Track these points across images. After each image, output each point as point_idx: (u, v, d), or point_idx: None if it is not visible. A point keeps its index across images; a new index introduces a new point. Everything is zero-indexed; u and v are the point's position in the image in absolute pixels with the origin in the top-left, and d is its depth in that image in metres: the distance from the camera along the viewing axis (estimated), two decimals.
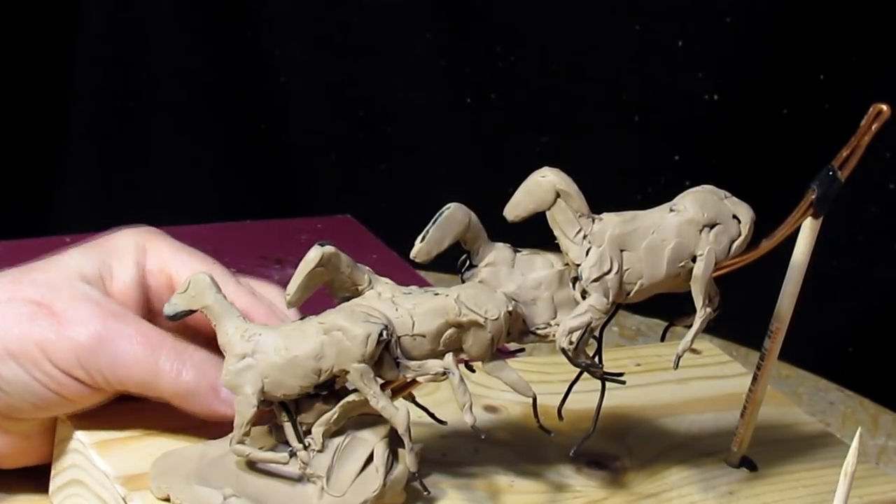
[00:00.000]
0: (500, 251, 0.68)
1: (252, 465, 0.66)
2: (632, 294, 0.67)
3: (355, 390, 0.65)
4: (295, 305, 0.66)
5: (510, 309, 0.66)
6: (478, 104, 1.58)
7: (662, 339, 0.74)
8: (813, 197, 0.70)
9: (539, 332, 0.67)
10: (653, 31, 1.50)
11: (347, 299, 0.66)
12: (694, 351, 0.86)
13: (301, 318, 0.67)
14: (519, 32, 1.55)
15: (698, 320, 0.68)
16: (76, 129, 1.65)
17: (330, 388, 0.65)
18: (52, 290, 0.68)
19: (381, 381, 0.65)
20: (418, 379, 0.66)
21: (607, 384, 0.69)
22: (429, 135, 1.61)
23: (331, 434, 0.66)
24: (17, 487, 0.71)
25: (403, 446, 0.65)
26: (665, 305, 0.72)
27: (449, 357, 0.65)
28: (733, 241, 0.68)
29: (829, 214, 0.73)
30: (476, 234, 0.67)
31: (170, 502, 0.65)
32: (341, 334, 0.64)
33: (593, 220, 0.67)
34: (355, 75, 1.61)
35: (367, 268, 0.67)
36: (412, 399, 0.68)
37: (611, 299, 0.67)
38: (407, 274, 1.05)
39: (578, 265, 0.67)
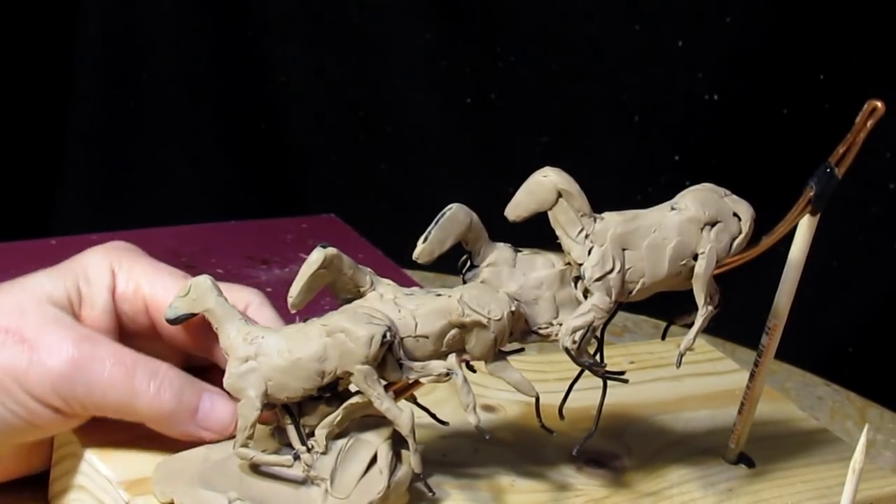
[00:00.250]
0: (502, 251, 0.68)
1: (255, 468, 0.66)
2: (634, 293, 0.67)
3: (358, 392, 0.65)
4: (298, 307, 0.65)
5: (513, 309, 0.66)
6: (478, 104, 1.58)
7: (663, 337, 0.74)
8: (811, 194, 0.70)
9: (541, 331, 0.67)
10: (653, 31, 1.50)
11: (349, 301, 0.66)
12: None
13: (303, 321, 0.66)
14: (519, 32, 1.55)
15: (700, 318, 0.68)
16: (76, 129, 1.65)
17: (333, 391, 0.65)
18: (20, 315, 0.66)
19: (384, 382, 0.65)
20: (421, 380, 0.66)
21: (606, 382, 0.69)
22: (429, 135, 1.61)
23: (334, 436, 0.66)
24: (13, 492, 0.70)
25: (406, 447, 0.65)
26: (657, 302, 0.72)
27: (452, 358, 0.65)
28: (734, 239, 0.68)
29: (829, 214, 0.74)
30: (477, 234, 0.67)
31: None
32: (344, 336, 0.64)
33: (595, 220, 0.67)
34: (355, 75, 1.61)
35: (369, 269, 0.67)
36: (413, 400, 0.68)
37: (613, 298, 0.67)
38: (392, 272, 1.05)
39: (581, 264, 0.67)
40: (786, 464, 0.78)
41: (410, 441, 0.65)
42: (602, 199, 0.69)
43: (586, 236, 0.67)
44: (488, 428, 0.68)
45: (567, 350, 0.66)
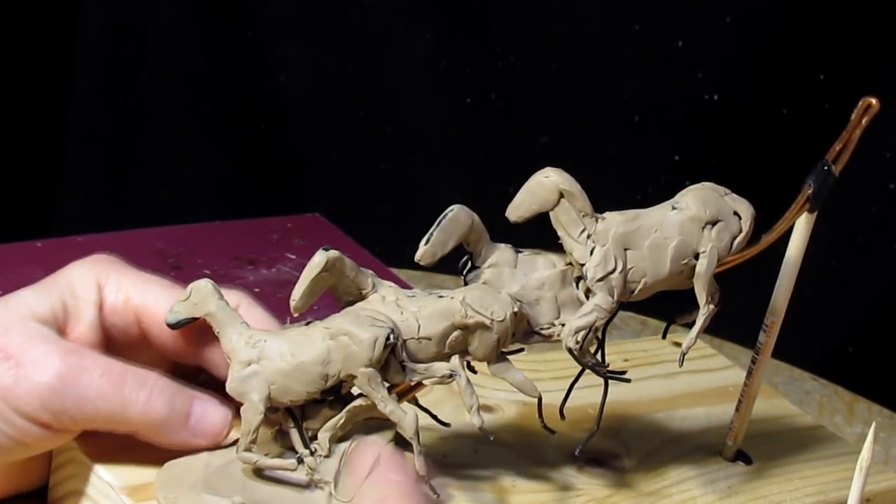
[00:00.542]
0: (503, 252, 0.68)
1: (259, 473, 0.66)
2: (636, 292, 0.68)
3: (361, 395, 0.65)
4: (300, 311, 0.65)
5: (515, 310, 0.66)
6: (478, 104, 1.58)
7: (664, 336, 0.74)
8: (809, 192, 0.70)
9: (543, 331, 0.67)
10: (653, 31, 1.50)
11: (351, 303, 0.66)
12: (677, 344, 0.87)
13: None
14: (519, 32, 1.55)
15: (701, 317, 0.68)
16: (76, 129, 1.65)
17: (336, 394, 0.65)
18: (3, 333, 0.65)
19: (386, 384, 0.65)
20: (424, 382, 0.66)
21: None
22: (429, 135, 1.61)
23: (337, 439, 0.66)
24: (12, 498, 0.69)
25: (410, 450, 0.65)
26: (652, 301, 0.72)
27: (455, 359, 0.65)
28: (735, 238, 0.68)
29: (828, 214, 0.74)
30: (479, 235, 0.67)
31: None
32: (348, 339, 0.63)
33: (597, 220, 0.67)
34: (355, 75, 1.61)
35: (370, 271, 0.67)
36: (415, 402, 0.68)
37: (615, 298, 0.67)
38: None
39: (583, 265, 0.67)
40: (783, 461, 0.78)
41: (414, 443, 0.65)
42: (602, 199, 0.69)
43: (588, 236, 0.67)
44: (487, 428, 0.68)
45: (570, 350, 0.66)
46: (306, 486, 0.65)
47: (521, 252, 0.68)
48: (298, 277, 0.65)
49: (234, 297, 0.69)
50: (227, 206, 1.65)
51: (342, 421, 0.65)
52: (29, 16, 1.59)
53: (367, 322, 0.64)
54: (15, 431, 0.64)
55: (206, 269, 1.05)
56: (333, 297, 0.66)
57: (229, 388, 0.64)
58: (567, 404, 0.71)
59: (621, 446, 0.76)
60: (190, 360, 0.69)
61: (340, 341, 0.64)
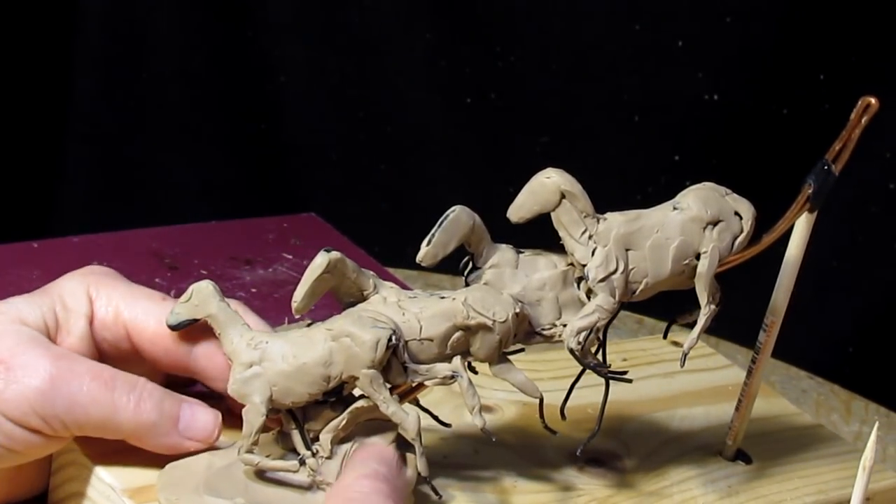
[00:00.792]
0: (504, 253, 0.68)
1: (261, 474, 0.65)
2: (637, 293, 0.67)
3: (362, 396, 0.65)
4: (302, 312, 0.65)
5: (517, 311, 0.66)
6: (478, 104, 1.58)
7: (665, 335, 0.74)
8: (809, 191, 0.70)
9: (545, 332, 0.67)
10: (653, 31, 1.50)
11: (352, 304, 0.66)
12: (676, 344, 0.87)
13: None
14: (519, 32, 1.55)
15: (703, 317, 0.68)
16: (77, 129, 1.65)
17: (338, 395, 0.65)
18: None
19: (388, 385, 0.65)
20: (426, 383, 0.65)
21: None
22: (429, 135, 1.61)
23: (339, 440, 0.66)
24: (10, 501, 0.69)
25: (411, 451, 0.65)
26: (650, 300, 0.72)
27: (457, 360, 0.65)
28: (736, 238, 0.68)
29: (828, 214, 0.74)
30: (480, 236, 0.67)
31: None
32: (350, 340, 0.63)
33: (598, 220, 0.67)
34: (355, 75, 1.61)
35: (372, 272, 0.66)
36: (416, 402, 0.68)
37: (617, 298, 0.67)
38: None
39: (584, 265, 0.67)
40: (783, 460, 0.78)
41: (416, 445, 0.64)
42: (602, 199, 0.69)
43: (590, 237, 0.67)
44: (489, 429, 0.68)
45: (572, 351, 0.66)
46: (308, 487, 0.65)
47: (522, 252, 0.68)
48: (295, 277, 0.65)
49: (231, 305, 0.69)
50: (227, 207, 1.65)
51: (344, 422, 0.65)
52: (29, 16, 1.59)
53: (369, 323, 0.64)
54: (3, 437, 0.64)
55: (203, 270, 1.06)
56: (335, 298, 0.66)
57: (231, 389, 0.64)
58: (567, 404, 0.71)
59: (621, 446, 0.76)
60: (182, 372, 0.68)
61: (342, 343, 0.63)
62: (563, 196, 0.66)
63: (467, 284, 0.67)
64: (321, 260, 0.64)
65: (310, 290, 0.64)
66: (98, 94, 1.63)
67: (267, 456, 0.65)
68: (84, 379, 0.64)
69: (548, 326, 0.67)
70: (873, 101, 0.70)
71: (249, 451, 0.64)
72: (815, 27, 1.45)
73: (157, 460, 0.66)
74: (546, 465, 0.73)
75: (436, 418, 0.70)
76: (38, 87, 1.62)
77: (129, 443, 0.66)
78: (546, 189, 0.66)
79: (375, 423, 0.66)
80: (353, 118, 1.62)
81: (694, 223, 0.68)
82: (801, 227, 0.72)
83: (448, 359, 0.65)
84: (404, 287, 0.68)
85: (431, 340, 0.65)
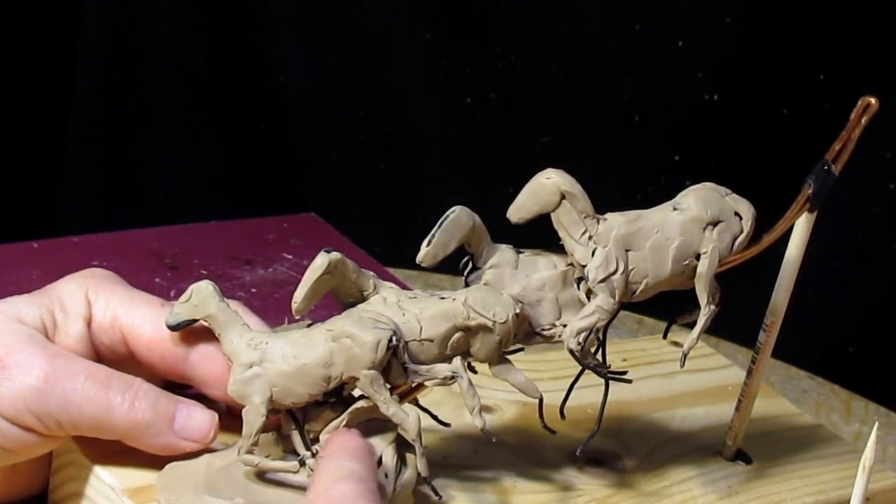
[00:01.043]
0: (504, 253, 0.67)
1: (260, 474, 0.65)
2: (637, 293, 0.67)
3: (362, 396, 0.65)
4: (302, 312, 0.64)
5: (517, 311, 0.66)
6: (478, 104, 1.58)
7: (665, 335, 0.74)
8: (809, 191, 0.70)
9: (544, 332, 0.67)
10: (653, 31, 1.50)
11: (352, 304, 0.66)
12: (676, 344, 0.87)
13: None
14: (519, 32, 1.55)
15: (703, 317, 0.68)
16: (77, 129, 1.65)
17: (337, 395, 0.65)
18: None
19: (388, 386, 0.65)
20: (426, 384, 0.65)
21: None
22: (429, 135, 1.61)
23: None
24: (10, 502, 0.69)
25: (411, 451, 0.65)
26: (650, 300, 0.72)
27: (457, 361, 0.65)
28: (736, 238, 0.68)
29: (828, 214, 0.74)
30: (480, 236, 0.67)
31: None
32: (350, 341, 0.63)
33: (598, 221, 0.67)
34: (355, 75, 1.61)
35: (371, 272, 0.66)
36: (415, 402, 0.68)
37: (617, 299, 0.67)
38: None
39: (584, 266, 0.67)
40: (783, 460, 0.78)
41: (417, 445, 0.64)
42: (602, 199, 0.69)
43: (590, 238, 0.67)
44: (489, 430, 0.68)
45: (572, 352, 0.66)
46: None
47: (522, 252, 0.68)
48: (295, 277, 0.65)
49: (231, 306, 0.69)
50: (227, 207, 1.65)
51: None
52: (29, 16, 1.59)
53: (370, 324, 0.63)
54: None
55: (203, 270, 1.05)
56: (335, 299, 0.66)
57: (231, 390, 0.64)
58: (567, 404, 0.71)
59: (622, 446, 0.76)
60: (178, 378, 0.68)
61: (343, 343, 0.63)
62: (563, 197, 0.66)
63: (467, 285, 0.67)
64: (321, 261, 0.64)
65: (310, 291, 0.64)
66: (98, 94, 1.63)
67: (266, 456, 0.65)
68: (79, 378, 0.64)
69: (548, 327, 0.67)
70: (873, 101, 0.70)
71: (249, 452, 0.64)
72: (815, 27, 1.45)
73: (156, 460, 0.66)
74: (546, 466, 0.73)
75: (435, 418, 0.70)
76: (38, 87, 1.62)
77: (126, 443, 0.66)
78: (546, 190, 0.66)
79: (375, 424, 0.66)
80: (353, 118, 1.62)
81: (694, 224, 0.68)
82: (801, 227, 0.72)
83: (448, 359, 0.65)
84: (404, 287, 0.68)
85: (431, 341, 0.65)
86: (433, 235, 0.65)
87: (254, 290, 1.03)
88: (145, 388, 0.65)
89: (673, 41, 1.49)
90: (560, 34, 1.53)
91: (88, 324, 0.67)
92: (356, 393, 0.65)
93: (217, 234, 1.13)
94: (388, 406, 0.64)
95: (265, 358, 0.64)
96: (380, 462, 0.65)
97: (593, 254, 0.66)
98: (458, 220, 0.66)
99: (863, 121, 0.70)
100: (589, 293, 0.67)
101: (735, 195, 0.69)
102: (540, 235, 0.68)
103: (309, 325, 0.65)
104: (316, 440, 0.65)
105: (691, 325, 0.69)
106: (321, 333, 0.64)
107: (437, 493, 0.66)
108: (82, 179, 1.66)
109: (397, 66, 1.59)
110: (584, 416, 0.74)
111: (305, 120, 1.63)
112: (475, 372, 0.68)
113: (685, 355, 0.69)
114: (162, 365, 0.67)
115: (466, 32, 1.56)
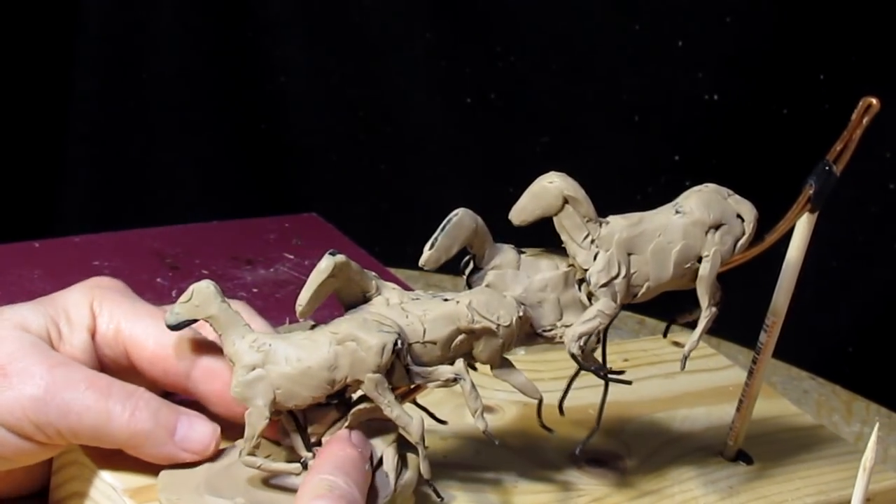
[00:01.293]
0: (506, 253, 0.67)
1: (261, 475, 0.65)
2: (638, 296, 0.68)
3: (363, 397, 0.65)
4: (306, 315, 0.64)
5: (521, 314, 0.66)
6: (478, 104, 1.58)
7: (665, 334, 0.74)
8: (810, 192, 0.70)
9: (546, 333, 0.67)
10: (653, 31, 1.50)
11: (354, 306, 0.66)
12: (677, 344, 0.87)
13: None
14: (519, 32, 1.55)
15: (703, 319, 0.68)
16: (77, 129, 1.65)
17: (340, 397, 0.65)
18: None
19: (391, 388, 0.64)
20: (429, 385, 0.65)
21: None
22: (429, 135, 1.61)
23: None
24: (12, 499, 0.69)
25: (411, 451, 0.65)
26: (651, 300, 0.72)
27: (460, 363, 0.65)
28: (738, 240, 0.68)
29: (828, 214, 0.74)
30: (483, 238, 0.66)
31: None
32: (355, 345, 0.63)
33: (600, 225, 0.67)
34: (355, 75, 1.61)
35: (374, 273, 0.66)
36: (413, 401, 0.68)
37: (618, 302, 0.67)
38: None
39: (586, 270, 0.66)
40: (784, 461, 0.78)
41: (420, 448, 0.64)
42: (602, 199, 0.69)
43: (592, 241, 0.66)
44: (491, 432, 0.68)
45: (574, 356, 0.66)
46: None
47: (523, 253, 0.68)
48: (296, 277, 0.65)
49: (234, 305, 0.69)
50: (227, 207, 1.65)
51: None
52: (29, 16, 1.59)
53: (374, 327, 0.63)
54: None
55: (204, 270, 1.05)
56: (337, 300, 0.66)
57: (233, 391, 0.64)
58: (568, 405, 0.71)
59: (623, 446, 0.76)
60: (179, 391, 0.68)
61: (348, 347, 0.63)
62: (565, 201, 0.66)
63: (469, 285, 0.67)
64: (326, 263, 0.64)
65: (314, 294, 0.64)
66: (98, 94, 1.63)
67: (267, 457, 0.65)
68: (79, 387, 0.64)
69: (549, 327, 0.67)
70: (874, 101, 0.70)
71: (251, 454, 0.64)
72: (814, 27, 1.45)
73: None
74: (547, 466, 0.73)
75: (432, 416, 0.69)
76: (38, 87, 1.62)
77: (128, 452, 0.65)
78: (549, 194, 0.66)
79: (376, 424, 0.66)
80: (353, 118, 1.62)
81: (696, 227, 0.68)
82: (802, 227, 0.72)
83: (450, 361, 0.65)
84: (406, 287, 0.68)
85: (435, 343, 0.65)
86: (436, 239, 0.65)
87: (255, 290, 1.03)
88: (147, 397, 0.65)
89: (673, 41, 1.49)
90: (560, 34, 1.53)
91: (92, 335, 0.67)
92: (356, 395, 0.65)
93: (218, 234, 1.13)
94: (392, 409, 0.64)
95: (268, 360, 0.63)
96: (381, 462, 0.65)
97: (595, 257, 0.66)
98: (461, 223, 0.65)
99: (864, 121, 0.70)
100: (590, 295, 0.67)
101: (737, 196, 0.69)
102: (540, 235, 0.68)
103: (313, 327, 0.65)
104: (318, 443, 0.65)
105: (691, 325, 0.69)
106: (325, 336, 0.64)
107: (438, 495, 0.66)
108: (82, 179, 1.66)
109: (397, 66, 1.59)
110: (584, 417, 0.74)
111: (305, 120, 1.63)
112: (474, 369, 0.68)
113: (686, 357, 0.69)
114: (164, 380, 0.67)
115: (466, 32, 1.56)
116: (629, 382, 0.69)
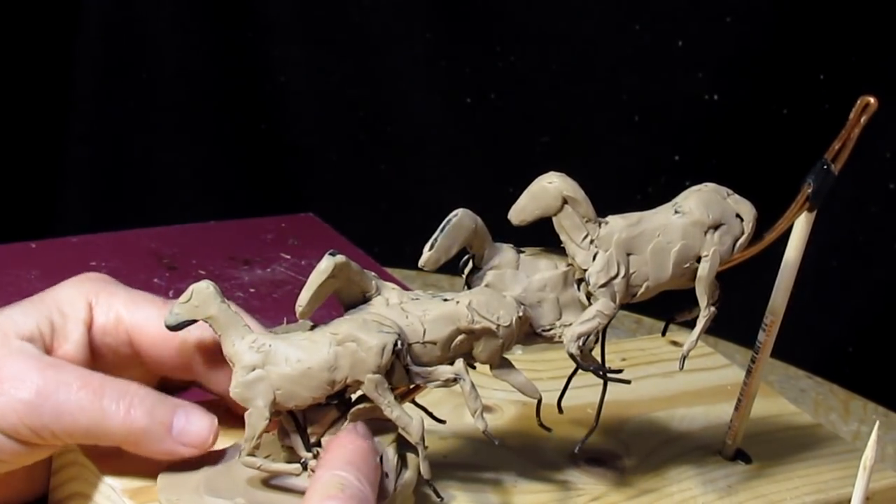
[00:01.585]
0: (505, 253, 0.67)
1: (261, 475, 0.65)
2: (637, 296, 0.67)
3: (363, 397, 0.65)
4: (306, 316, 0.64)
5: (521, 314, 0.65)
6: (478, 104, 1.58)
7: (663, 333, 0.74)
8: (809, 191, 0.70)
9: (545, 333, 0.67)
10: (653, 31, 1.50)
11: (353, 306, 0.66)
12: (675, 343, 0.87)
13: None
14: (519, 32, 1.55)
15: (702, 319, 0.68)
16: (76, 129, 1.65)
17: (339, 398, 0.65)
18: None
19: (391, 388, 0.64)
20: (429, 385, 0.65)
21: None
22: (429, 135, 1.61)
23: None
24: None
25: (411, 450, 0.65)
26: (649, 299, 0.72)
27: (460, 363, 0.65)
28: (737, 240, 0.68)
29: (828, 214, 0.74)
30: (482, 238, 0.66)
31: None
32: (356, 345, 0.63)
33: (599, 225, 0.67)
34: (355, 75, 1.61)
35: (373, 273, 0.66)
36: (412, 400, 0.68)
37: (617, 303, 0.67)
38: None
39: (585, 270, 0.66)
40: (782, 459, 0.78)
41: (420, 448, 0.64)
42: (602, 199, 0.69)
43: (591, 241, 0.66)
44: (490, 432, 0.68)
45: (573, 356, 0.66)
46: None
47: (522, 252, 0.68)
48: (293, 277, 0.65)
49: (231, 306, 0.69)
50: (226, 207, 1.65)
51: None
52: (29, 16, 1.59)
53: (375, 328, 0.63)
54: None
55: (202, 270, 1.05)
56: (336, 300, 0.66)
57: (233, 392, 0.64)
58: (567, 404, 0.71)
59: (621, 446, 0.76)
60: (184, 375, 0.68)
61: (348, 347, 0.63)
62: (565, 201, 0.66)
63: (468, 284, 0.67)
64: (326, 264, 0.64)
65: (314, 295, 0.64)
66: (98, 94, 1.64)
67: (267, 457, 0.65)
68: (72, 388, 0.64)
69: (548, 327, 0.67)
70: (872, 100, 0.70)
71: (251, 454, 0.64)
72: (814, 27, 1.46)
73: (157, 461, 0.66)
74: (546, 465, 0.73)
75: (431, 415, 0.69)
76: (38, 87, 1.62)
77: (126, 450, 0.65)
78: (548, 194, 0.66)
79: (375, 424, 0.66)
80: (353, 118, 1.63)
81: (695, 227, 0.67)
82: (801, 226, 0.72)
83: (450, 361, 0.65)
84: (404, 288, 0.67)
85: (434, 343, 0.64)
86: (435, 239, 0.65)
87: (252, 290, 1.03)
88: (142, 394, 0.65)
89: (673, 41, 1.49)
90: (560, 34, 1.53)
91: (89, 327, 0.67)
92: (358, 395, 0.65)
93: (215, 235, 1.13)
94: (392, 410, 0.64)
95: (268, 361, 0.63)
96: (381, 462, 0.65)
97: (594, 258, 0.66)
98: (460, 224, 0.65)
99: (862, 120, 0.70)
100: (589, 295, 0.67)
101: (737, 196, 0.69)
102: (540, 235, 0.68)
103: (312, 328, 0.65)
104: (318, 444, 0.65)
105: (689, 324, 0.69)
106: (325, 337, 0.63)
107: (438, 495, 0.66)
108: (82, 179, 1.66)
109: (397, 66, 1.59)
110: (583, 416, 0.74)
111: (305, 120, 1.63)
112: (473, 367, 0.68)
113: (684, 357, 0.69)
114: (169, 363, 0.67)
115: (466, 32, 1.57)
116: (628, 382, 0.69)
